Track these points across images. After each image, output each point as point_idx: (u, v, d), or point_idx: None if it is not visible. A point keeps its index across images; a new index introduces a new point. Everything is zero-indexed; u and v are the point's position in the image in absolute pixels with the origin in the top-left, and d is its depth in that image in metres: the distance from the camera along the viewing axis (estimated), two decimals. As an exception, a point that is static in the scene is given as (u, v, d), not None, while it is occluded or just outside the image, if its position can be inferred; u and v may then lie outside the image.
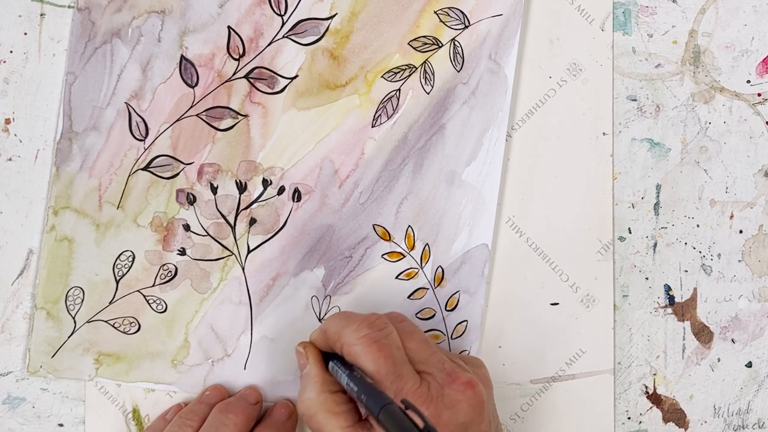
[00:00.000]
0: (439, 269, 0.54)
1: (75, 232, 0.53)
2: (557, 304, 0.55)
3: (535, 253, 0.55)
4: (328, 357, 0.49)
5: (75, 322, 0.52)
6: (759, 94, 0.56)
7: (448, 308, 0.54)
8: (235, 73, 0.53)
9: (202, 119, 0.53)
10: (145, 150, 0.53)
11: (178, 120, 0.53)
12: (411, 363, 0.46)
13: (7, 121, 0.53)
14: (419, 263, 0.54)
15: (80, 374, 0.53)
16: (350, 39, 0.54)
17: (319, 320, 0.54)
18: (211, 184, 0.53)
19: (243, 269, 0.53)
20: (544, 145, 0.55)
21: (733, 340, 0.57)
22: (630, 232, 0.56)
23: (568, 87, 0.55)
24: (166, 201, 0.53)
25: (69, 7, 0.53)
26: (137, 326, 0.53)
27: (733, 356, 0.56)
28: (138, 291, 0.53)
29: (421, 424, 0.40)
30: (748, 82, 0.56)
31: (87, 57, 0.52)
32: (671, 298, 0.56)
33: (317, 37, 0.53)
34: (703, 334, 0.56)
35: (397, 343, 0.46)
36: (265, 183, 0.53)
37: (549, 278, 0.55)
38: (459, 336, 0.54)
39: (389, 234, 0.54)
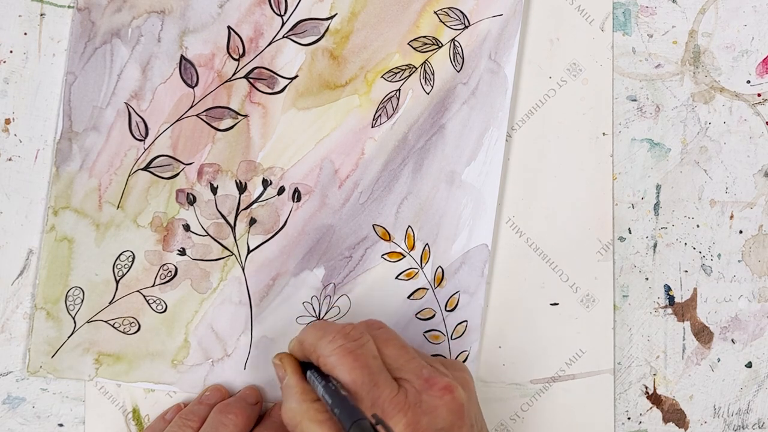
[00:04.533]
0: (439, 269, 0.54)
1: (75, 232, 0.53)
2: (557, 304, 0.55)
3: (535, 253, 0.55)
4: (306, 366, 0.48)
5: (75, 322, 0.52)
6: (759, 95, 0.56)
7: (448, 308, 0.54)
8: (235, 73, 0.53)
9: (202, 119, 0.53)
10: (145, 150, 0.53)
11: (178, 120, 0.53)
12: (389, 370, 0.46)
13: (7, 121, 0.53)
14: (419, 263, 0.54)
15: (80, 374, 0.53)
16: (350, 39, 0.54)
17: (318, 320, 0.54)
18: (211, 184, 0.53)
19: (243, 269, 0.53)
20: (544, 145, 0.55)
21: (733, 341, 0.57)
22: (630, 233, 0.56)
23: (568, 87, 0.55)
24: (166, 201, 0.53)
25: (69, 7, 0.53)
26: (137, 326, 0.53)
27: (733, 356, 0.56)
28: (138, 291, 0.53)
29: None
30: (748, 82, 0.56)
31: (87, 57, 0.52)
32: (671, 299, 0.56)
33: (317, 37, 0.53)
34: (703, 334, 0.56)
35: (373, 352, 0.46)
36: (265, 183, 0.53)
37: (549, 278, 0.55)
38: (459, 336, 0.54)
39: (389, 234, 0.54)
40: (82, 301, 0.53)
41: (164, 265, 0.53)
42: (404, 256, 0.54)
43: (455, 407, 0.45)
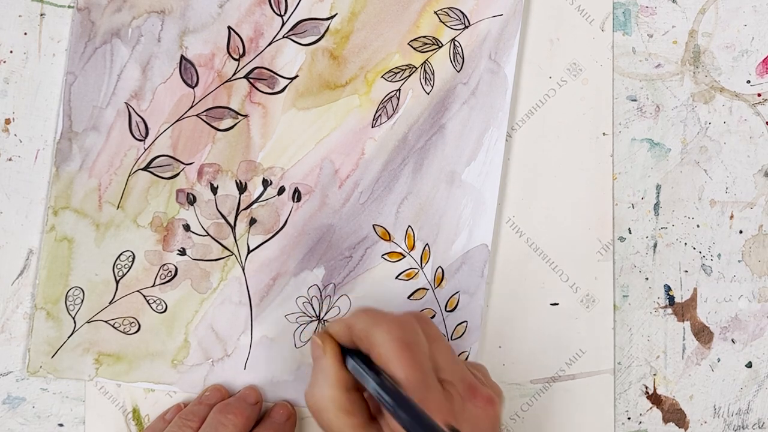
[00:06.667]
0: (439, 269, 0.54)
1: (75, 232, 0.53)
2: (557, 304, 0.55)
3: (535, 253, 0.55)
4: (345, 351, 0.46)
5: (75, 322, 0.52)
6: (759, 94, 0.56)
7: (448, 309, 0.54)
8: (235, 73, 0.53)
9: (202, 119, 0.53)
10: (145, 150, 0.53)
11: (178, 120, 0.53)
12: (434, 370, 0.44)
13: (7, 121, 0.53)
14: (419, 263, 0.54)
15: (80, 374, 0.53)
16: (350, 39, 0.54)
17: (318, 320, 0.54)
18: (211, 184, 0.53)
19: (243, 269, 0.53)
20: (544, 145, 0.55)
21: (733, 341, 0.57)
22: (630, 233, 0.56)
23: (568, 87, 0.55)
24: (166, 201, 0.53)
25: (69, 7, 0.53)
26: (137, 326, 0.53)
27: (733, 356, 0.56)
28: (138, 291, 0.53)
29: None
30: (748, 82, 0.56)
31: (87, 57, 0.52)
32: (671, 299, 0.56)
33: (317, 37, 0.53)
34: (703, 334, 0.56)
35: (425, 349, 0.44)
36: (265, 183, 0.53)
37: (549, 278, 0.55)
38: (459, 336, 0.54)
39: (389, 234, 0.54)
40: (82, 301, 0.53)
41: (164, 265, 0.53)
42: (404, 256, 0.54)
43: (494, 421, 0.44)
